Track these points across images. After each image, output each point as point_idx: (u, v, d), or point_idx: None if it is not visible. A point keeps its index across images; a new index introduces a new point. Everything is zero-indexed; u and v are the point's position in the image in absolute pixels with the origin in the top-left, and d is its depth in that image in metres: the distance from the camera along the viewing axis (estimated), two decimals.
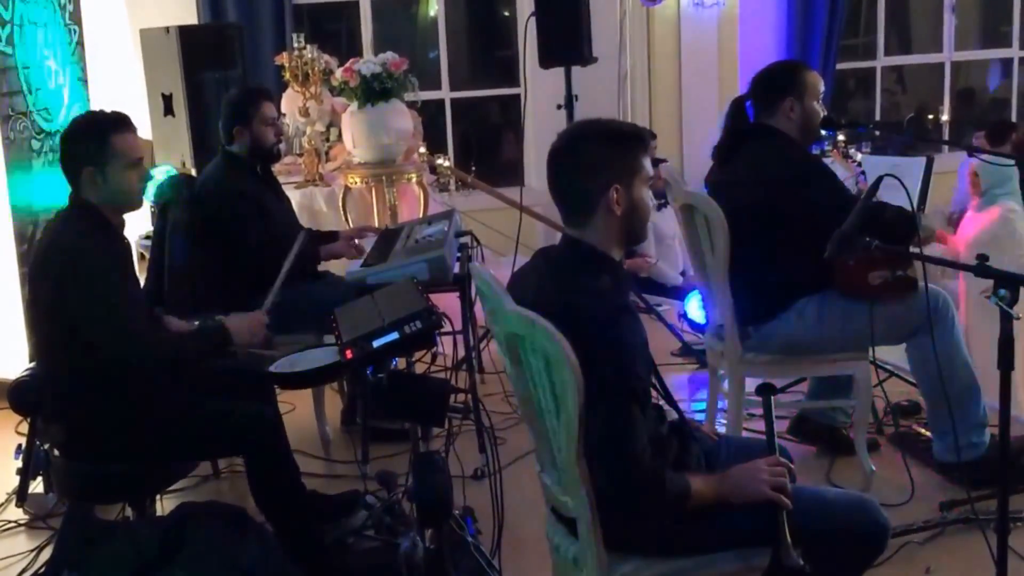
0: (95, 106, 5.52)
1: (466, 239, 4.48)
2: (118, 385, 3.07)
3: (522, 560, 3.28)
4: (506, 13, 9.06)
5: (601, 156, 2.41)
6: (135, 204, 3.23)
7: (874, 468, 3.80)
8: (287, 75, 6.25)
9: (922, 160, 4.14)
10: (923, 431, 4.11)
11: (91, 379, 3.06)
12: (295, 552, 3.15)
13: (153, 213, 5.14)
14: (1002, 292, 2.29)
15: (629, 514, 2.31)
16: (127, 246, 3.30)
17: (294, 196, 5.61)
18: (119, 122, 3.15)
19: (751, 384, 4.10)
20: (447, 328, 2.97)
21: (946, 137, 8.98)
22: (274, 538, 3.16)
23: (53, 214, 3.28)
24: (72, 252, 3.03)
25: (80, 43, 5.98)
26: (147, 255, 4.62)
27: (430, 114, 7.44)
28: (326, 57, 6.39)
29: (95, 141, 3.09)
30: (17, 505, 3.99)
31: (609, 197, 2.38)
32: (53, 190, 5.15)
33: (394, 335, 2.75)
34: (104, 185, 3.09)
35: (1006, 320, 2.27)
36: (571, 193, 2.45)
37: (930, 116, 9.35)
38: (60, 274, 3.02)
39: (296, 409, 4.67)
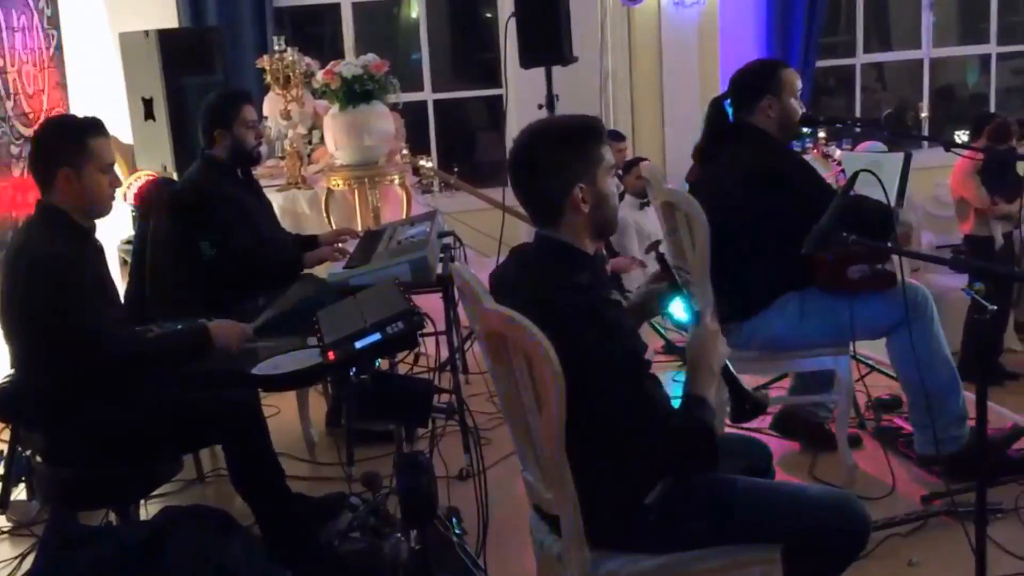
0: (75, 111, 5.52)
1: (449, 240, 4.49)
2: (97, 390, 3.06)
3: (507, 559, 3.29)
4: (488, 15, 9.07)
5: (559, 159, 2.39)
6: (105, 209, 3.22)
7: (856, 463, 3.83)
8: (268, 78, 6.25)
9: (900, 156, 4.16)
10: (904, 425, 4.14)
11: (69, 385, 3.06)
12: (280, 551, 3.15)
13: (134, 218, 5.12)
14: (977, 284, 2.31)
15: (686, 473, 2.35)
16: (99, 249, 3.28)
17: (276, 199, 5.60)
18: (95, 125, 3.15)
19: None
20: (430, 329, 2.98)
21: (926, 133, 9.02)
22: (259, 540, 3.15)
23: (23, 221, 3.26)
24: (41, 256, 3.03)
25: (59, 48, 5.96)
26: (129, 260, 4.60)
27: (412, 116, 7.43)
28: (307, 60, 6.39)
29: (72, 142, 3.09)
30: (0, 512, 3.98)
31: (574, 197, 2.37)
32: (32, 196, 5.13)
33: (376, 336, 2.75)
34: (78, 187, 3.08)
35: (981, 312, 2.29)
36: (535, 199, 2.45)
37: (909, 112, 9.39)
38: (31, 279, 3.02)
39: (280, 412, 4.67)
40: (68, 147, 3.09)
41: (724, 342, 2.45)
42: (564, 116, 2.56)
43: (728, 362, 2.47)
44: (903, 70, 9.83)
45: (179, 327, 3.35)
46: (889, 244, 3.49)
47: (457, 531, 3.17)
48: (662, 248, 3.35)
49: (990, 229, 7.11)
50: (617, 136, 7.49)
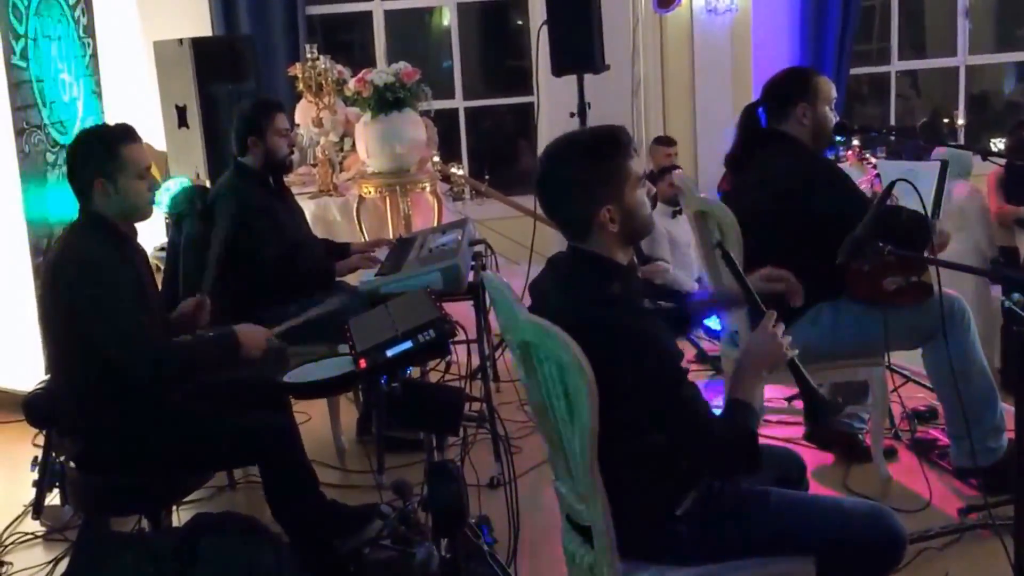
0: (109, 118, 5.56)
1: (480, 248, 4.48)
2: (133, 397, 3.08)
3: (538, 568, 3.27)
4: (519, 22, 9.07)
5: (584, 179, 2.36)
6: (145, 213, 3.24)
7: (891, 475, 3.79)
8: (300, 86, 6.27)
9: (936, 165, 4.12)
10: (940, 437, 4.09)
11: (106, 391, 3.07)
12: (310, 562, 3.15)
13: (167, 225, 5.15)
14: (1016, 296, 2.28)
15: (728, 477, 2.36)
16: (143, 254, 3.32)
17: (308, 206, 5.62)
18: (126, 133, 3.18)
19: (767, 391, 4.10)
20: (461, 337, 2.97)
21: (961, 141, 8.93)
22: (289, 548, 3.16)
23: (65, 227, 3.30)
24: (84, 262, 3.05)
25: (94, 56, 6.01)
26: (162, 266, 4.63)
27: (444, 123, 7.44)
28: (339, 68, 6.40)
29: (105, 152, 3.11)
30: (34, 517, 4.00)
31: (601, 217, 2.35)
32: (68, 203, 5.16)
33: (408, 344, 2.75)
34: (115, 196, 3.11)
35: (1019, 324, 2.26)
36: (563, 220, 2.43)
37: (945, 120, 9.31)
38: (72, 284, 3.04)
39: (311, 419, 4.67)
40: (101, 157, 3.12)
41: (787, 343, 2.42)
42: (586, 131, 2.50)
43: (798, 362, 2.43)
44: (938, 77, 9.75)
45: (209, 335, 3.37)
46: (926, 255, 3.45)
47: (488, 540, 3.16)
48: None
49: (1014, 239, 7.05)
50: (668, 141, 7.47)
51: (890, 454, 4.00)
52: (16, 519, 4.05)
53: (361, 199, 6.09)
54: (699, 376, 5.21)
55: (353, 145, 6.45)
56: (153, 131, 5.97)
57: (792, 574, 2.38)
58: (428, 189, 6.17)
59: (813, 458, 3.96)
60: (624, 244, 2.43)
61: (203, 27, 7.29)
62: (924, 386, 4.41)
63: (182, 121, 5.81)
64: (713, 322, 5.46)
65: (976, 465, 3.56)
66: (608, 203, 2.34)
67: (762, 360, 2.42)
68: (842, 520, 2.42)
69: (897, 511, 2.49)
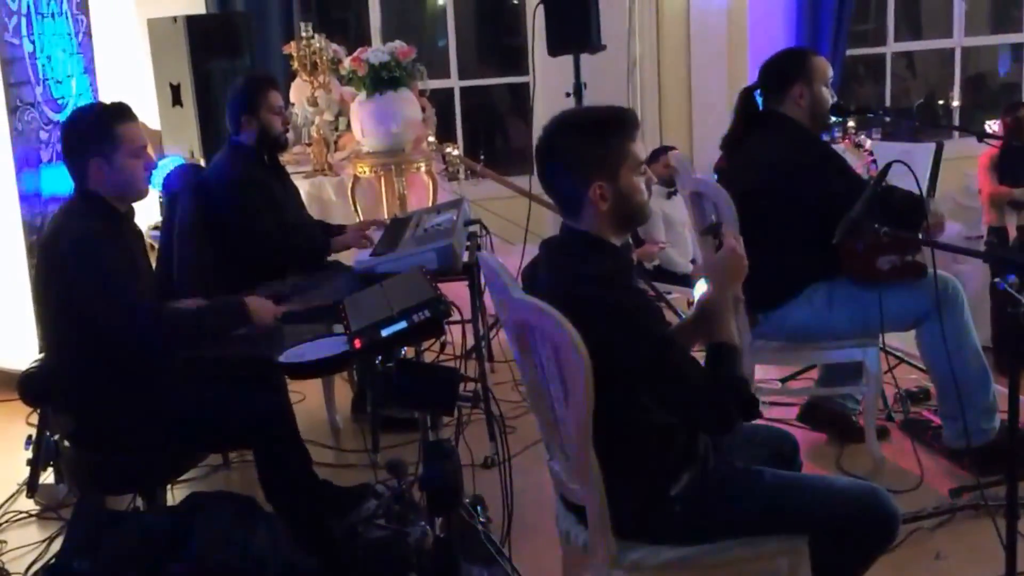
0: (103, 96, 5.54)
1: (475, 228, 4.48)
2: (127, 375, 3.08)
3: (532, 547, 3.28)
4: (515, 1, 9.04)
5: (580, 154, 2.36)
6: (142, 193, 3.23)
7: (884, 455, 3.80)
8: (295, 64, 6.25)
9: (932, 146, 4.12)
10: (933, 418, 4.10)
11: (100, 370, 3.07)
12: (304, 541, 3.16)
13: (162, 203, 5.14)
14: (1011, 278, 2.28)
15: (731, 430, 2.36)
16: (138, 232, 3.31)
17: (303, 186, 5.61)
18: (122, 112, 3.16)
19: (760, 371, 4.12)
20: (456, 317, 2.97)
21: (956, 123, 8.92)
22: (284, 526, 3.16)
23: (60, 205, 3.28)
24: (79, 239, 3.04)
25: (88, 33, 5.98)
26: (156, 245, 4.62)
27: (439, 103, 7.42)
28: (334, 46, 6.39)
29: (100, 131, 3.10)
30: (28, 496, 4.01)
31: (592, 193, 2.34)
32: (62, 181, 5.15)
33: (403, 324, 2.75)
34: (111, 174, 3.09)
35: (1015, 306, 2.27)
36: (556, 190, 2.43)
37: (940, 102, 9.30)
38: (66, 260, 3.03)
39: (306, 399, 4.68)
40: (96, 136, 3.10)
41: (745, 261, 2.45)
42: (595, 108, 2.47)
43: None
44: (934, 59, 9.73)
45: (214, 303, 3.36)
46: (920, 235, 3.45)
47: (482, 519, 3.16)
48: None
49: (1003, 220, 7.06)
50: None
51: (883, 434, 4.01)
52: (10, 497, 4.06)
53: (356, 179, 6.09)
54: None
55: (348, 124, 6.44)
56: (147, 109, 5.95)
57: (785, 553, 2.39)
58: (423, 169, 6.16)
59: (806, 438, 3.98)
60: (616, 226, 2.41)
61: (197, 4, 7.25)
62: (917, 367, 4.42)
63: (176, 99, 5.79)
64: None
65: (968, 446, 3.57)
66: (600, 179, 2.34)
67: (730, 275, 2.45)
68: (835, 500, 2.43)
69: (889, 491, 2.50)
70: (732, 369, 2.35)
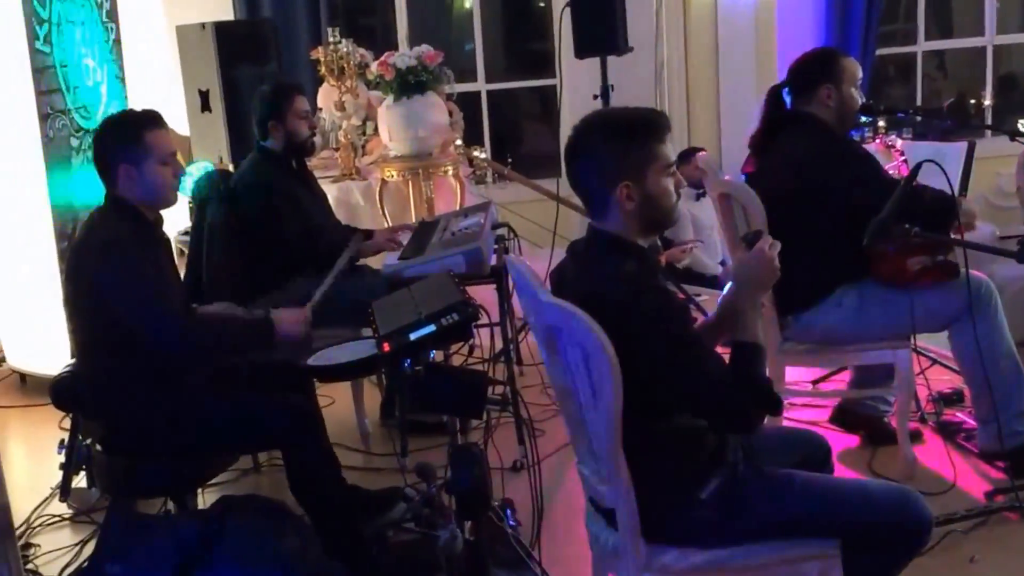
0: (133, 103, 5.58)
1: (503, 231, 4.47)
2: (157, 379, 3.10)
3: (561, 551, 3.27)
4: (541, 4, 9.03)
5: (608, 154, 2.36)
6: (170, 200, 3.25)
7: (917, 457, 3.76)
8: (323, 70, 6.26)
9: (963, 146, 4.08)
10: (966, 419, 4.06)
11: (131, 374, 3.09)
12: (334, 545, 3.16)
13: (191, 209, 5.17)
14: None
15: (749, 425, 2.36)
16: (166, 240, 3.33)
17: (331, 190, 5.62)
18: (151, 119, 3.18)
19: (791, 374, 4.09)
20: (484, 320, 2.96)
21: (988, 122, 8.83)
22: (314, 531, 3.17)
23: (90, 212, 3.31)
24: (109, 245, 3.06)
25: (117, 41, 6.02)
26: (185, 251, 4.65)
27: (466, 106, 7.42)
28: (361, 51, 6.39)
29: (129, 139, 3.12)
30: (61, 500, 4.04)
31: (619, 194, 2.34)
32: (92, 187, 5.18)
33: (431, 328, 2.74)
34: (140, 182, 3.12)
35: None
36: (583, 190, 2.43)
37: (972, 101, 9.21)
38: (96, 265, 3.06)
39: (335, 403, 4.69)
40: (126, 143, 3.13)
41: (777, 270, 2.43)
42: (626, 109, 2.46)
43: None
44: (965, 58, 9.64)
45: (243, 316, 3.38)
46: (952, 235, 3.42)
47: (511, 523, 3.16)
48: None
49: None
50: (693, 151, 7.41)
51: (916, 437, 3.98)
52: (43, 501, 4.09)
53: (383, 183, 6.09)
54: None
55: (375, 129, 6.45)
56: (176, 115, 5.99)
57: (817, 556, 2.37)
58: (451, 172, 6.16)
59: (838, 441, 3.95)
60: (642, 227, 2.41)
61: (225, 11, 7.29)
62: (950, 368, 4.38)
63: (205, 105, 5.82)
64: None
65: (1003, 448, 3.53)
66: (627, 179, 2.33)
67: (758, 281, 2.43)
68: (867, 503, 2.40)
69: (923, 494, 2.48)
70: (756, 368, 2.34)
